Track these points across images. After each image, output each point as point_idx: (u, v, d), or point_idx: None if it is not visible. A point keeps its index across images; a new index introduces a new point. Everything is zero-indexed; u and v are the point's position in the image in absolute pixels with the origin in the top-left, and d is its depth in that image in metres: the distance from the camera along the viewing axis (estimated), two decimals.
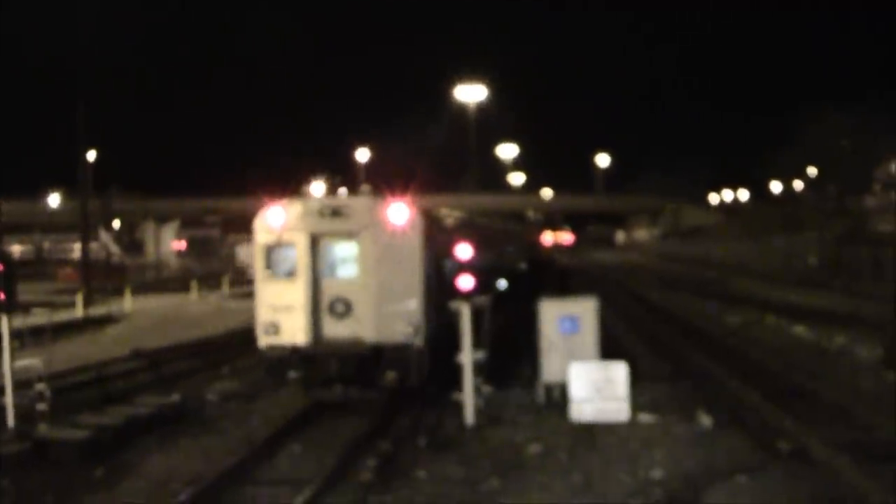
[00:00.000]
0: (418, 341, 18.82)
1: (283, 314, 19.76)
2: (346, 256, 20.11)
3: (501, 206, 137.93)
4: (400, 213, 19.49)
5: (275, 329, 19.81)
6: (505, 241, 44.59)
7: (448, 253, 20.97)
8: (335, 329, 19.85)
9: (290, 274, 19.84)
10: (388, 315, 18.99)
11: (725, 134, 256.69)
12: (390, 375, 18.70)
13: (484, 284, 25.31)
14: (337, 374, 19.50)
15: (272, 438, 17.26)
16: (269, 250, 20.17)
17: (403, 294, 19.12)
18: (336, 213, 19.87)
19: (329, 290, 19.91)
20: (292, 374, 19.74)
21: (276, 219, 20.15)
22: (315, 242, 19.88)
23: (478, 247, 24.51)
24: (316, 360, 19.60)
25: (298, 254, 19.78)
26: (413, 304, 19.13)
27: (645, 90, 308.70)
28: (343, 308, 19.84)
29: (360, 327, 19.60)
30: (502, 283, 35.43)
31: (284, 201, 20.53)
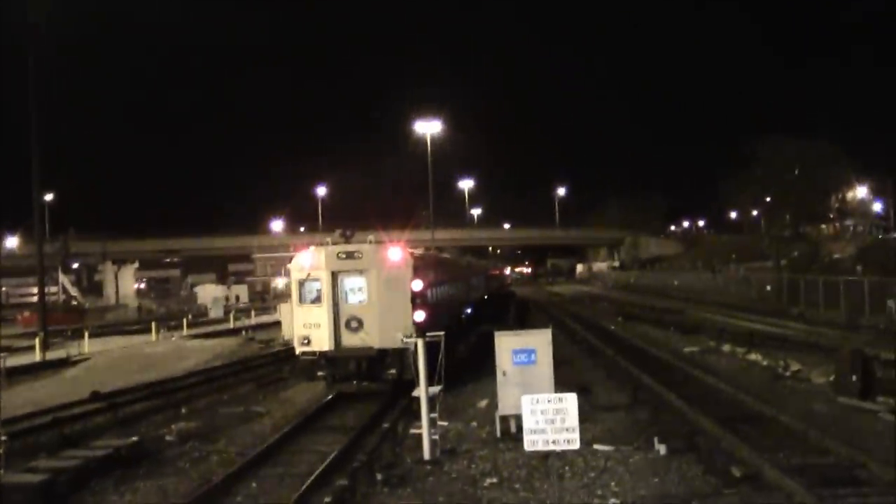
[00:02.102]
0: (411, 347, 20.91)
1: (312, 330, 26.87)
2: (357, 287, 27.08)
3: (461, 240, 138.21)
4: (395, 254, 26.82)
5: (307, 341, 26.95)
6: (470, 274, 52.30)
7: (436, 280, 30.54)
8: (351, 339, 26.77)
9: (317, 300, 26.99)
10: (389, 328, 24.66)
11: (682, 165, 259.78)
12: (391, 372, 24.85)
13: (453, 311, 35.57)
14: (353, 372, 26.75)
15: (231, 477, 17.26)
16: (301, 283, 27.39)
17: (400, 313, 23.52)
18: (349, 255, 26.99)
19: (345, 312, 26.92)
20: (320, 373, 27.16)
21: (306, 261, 27.50)
22: (335, 277, 26.91)
23: (449, 279, 35.76)
24: (337, 361, 26.85)
25: (323, 286, 26.85)
26: (406, 318, 22.08)
27: (602, 124, 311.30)
28: (356, 324, 26.77)
29: (368, 337, 26.53)
30: (468, 310, 43.98)
31: (312, 248, 28.00)
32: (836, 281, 48.39)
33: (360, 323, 26.74)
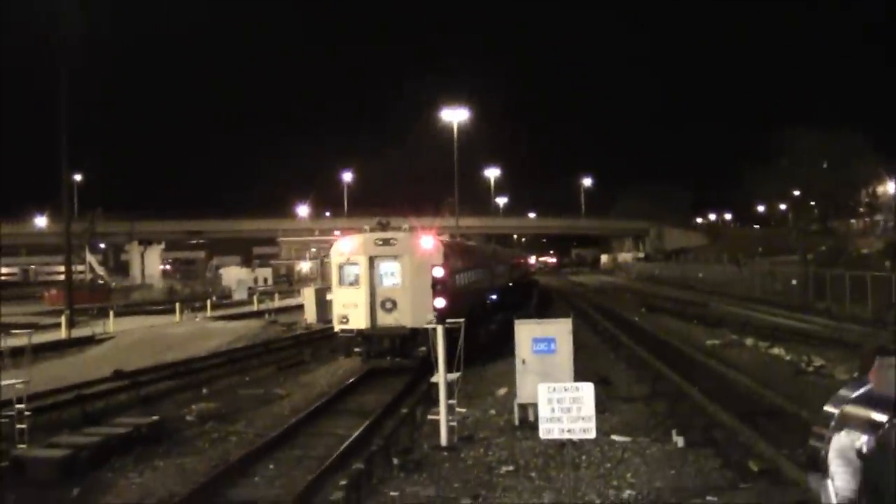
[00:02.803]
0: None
1: (350, 310, 29.02)
2: (391, 271, 29.28)
3: (486, 228, 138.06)
4: (427, 242, 29.06)
5: (346, 320, 29.17)
6: (495, 262, 53.89)
7: (463, 266, 33.85)
8: (385, 319, 28.92)
9: (355, 283, 29.21)
10: (420, 309, 25.55)
11: (709, 157, 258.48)
12: (422, 350, 25.00)
13: (477, 297, 38.72)
14: (387, 349, 28.87)
15: (249, 458, 17.38)
16: (341, 267, 29.72)
17: (430, 296, 22.44)
18: (385, 242, 29.23)
19: (381, 294, 29.11)
20: (357, 349, 29.14)
21: (346, 246, 29.99)
22: (371, 262, 29.10)
23: (475, 266, 39.28)
24: (373, 339, 28.98)
25: (361, 270, 29.09)
26: None
27: (629, 114, 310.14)
28: (391, 305, 28.89)
29: (401, 317, 28.59)
30: (492, 297, 46.15)
31: (351, 235, 30.63)
32: (863, 276, 47.96)
33: (394, 304, 28.86)
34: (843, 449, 3.72)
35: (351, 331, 29.05)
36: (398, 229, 31.43)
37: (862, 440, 3.70)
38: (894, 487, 3.30)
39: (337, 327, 29.75)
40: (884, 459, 3.42)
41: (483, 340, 33.77)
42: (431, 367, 19.43)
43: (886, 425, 3.54)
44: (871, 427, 3.62)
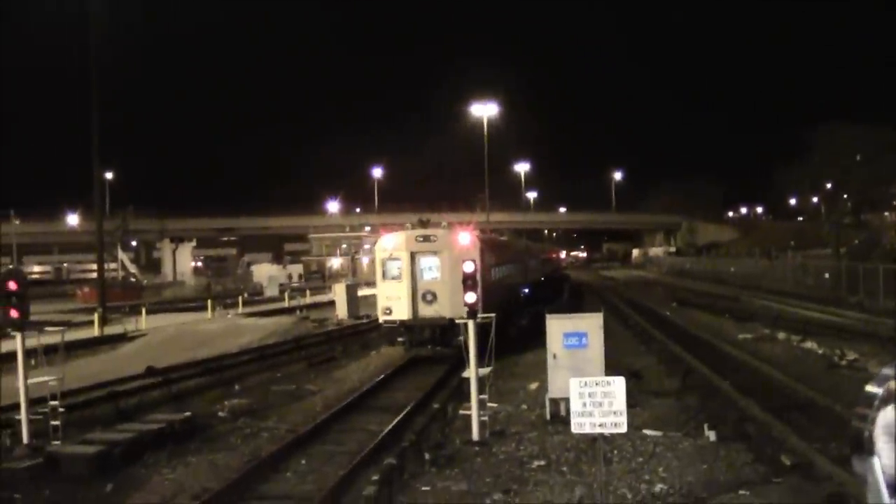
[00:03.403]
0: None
1: (394, 302, 30.91)
2: (432, 266, 31.03)
3: (517, 222, 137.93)
4: (464, 238, 30.54)
5: (389, 311, 31.03)
6: (528, 256, 55.65)
7: (498, 261, 36.29)
8: (426, 310, 30.80)
9: (397, 277, 31.03)
10: (459, 301, 23.84)
11: (741, 150, 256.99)
12: (460, 339, 23.80)
13: (510, 291, 41.03)
14: (428, 338, 30.79)
15: (281, 453, 17.45)
16: (384, 262, 31.37)
17: None
18: (426, 238, 31.17)
19: (422, 287, 30.91)
20: (400, 339, 31.43)
21: (389, 243, 31.65)
22: (413, 257, 30.99)
23: (508, 261, 41.49)
24: (414, 329, 30.95)
25: (403, 264, 30.95)
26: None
27: (660, 108, 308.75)
28: (431, 297, 30.75)
29: (441, 309, 30.27)
30: (525, 290, 47.74)
31: (394, 233, 32.13)
32: None
33: (434, 296, 30.71)
34: (890, 425, 3.65)
35: (394, 321, 31.04)
36: (437, 226, 32.81)
37: None
38: None
39: (381, 318, 31.68)
40: None
41: (515, 334, 34.19)
42: (464, 361, 19.57)
43: None
44: None
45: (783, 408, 19.81)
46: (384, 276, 31.48)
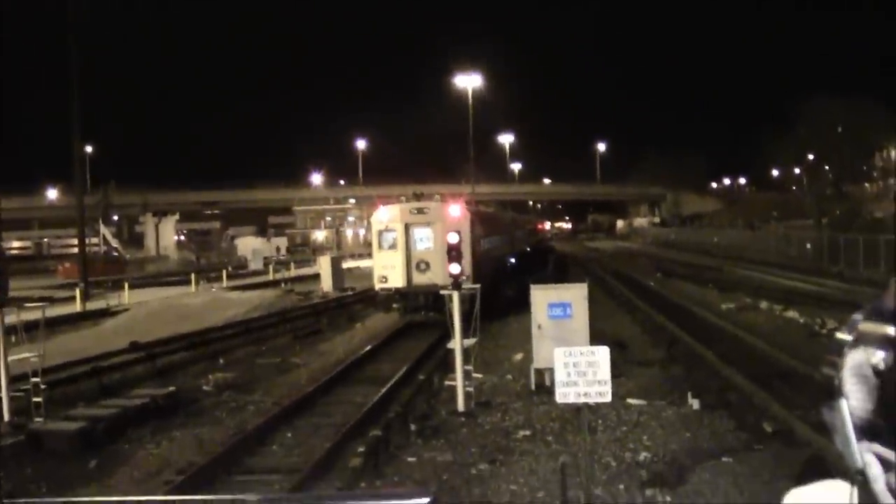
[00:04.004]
0: (468, 284, 24.60)
1: (389, 270, 32.37)
2: (425, 236, 32.43)
3: (501, 194, 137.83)
4: (455, 210, 32.07)
5: (384, 279, 32.51)
6: (515, 227, 57.42)
7: (487, 232, 37.89)
8: (419, 278, 32.06)
9: (393, 247, 32.49)
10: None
11: (725, 122, 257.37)
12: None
13: (499, 261, 43.37)
14: (421, 305, 31.84)
15: (266, 427, 17.45)
16: (380, 233, 32.96)
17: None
18: (419, 211, 32.88)
19: (415, 256, 32.38)
20: (395, 305, 33.17)
21: (384, 215, 33.23)
22: (407, 228, 32.43)
23: (496, 232, 43.55)
24: (408, 296, 32.43)
25: (398, 235, 32.40)
26: (466, 262, 26.83)
27: (644, 79, 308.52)
28: (424, 266, 32.07)
29: (434, 277, 30.76)
30: (512, 260, 49.44)
31: (389, 205, 33.69)
32: (877, 240, 47.80)
33: (427, 265, 32.05)
34: (859, 366, 3.59)
35: (389, 289, 32.70)
36: (431, 199, 34.98)
37: (879, 356, 3.60)
38: None
39: (377, 286, 33.20)
40: None
41: (502, 303, 34.66)
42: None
43: None
44: (888, 342, 3.51)
45: (765, 376, 19.89)
46: (380, 246, 33.03)
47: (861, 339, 3.67)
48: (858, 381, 3.56)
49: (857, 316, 3.95)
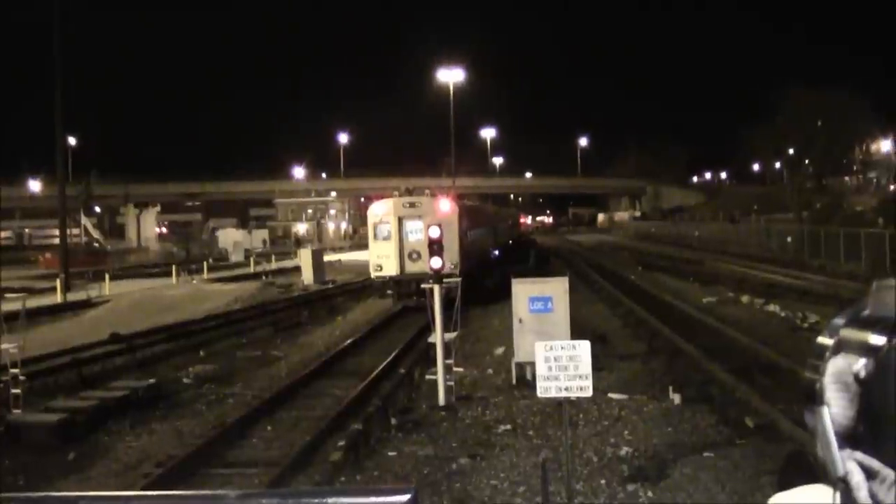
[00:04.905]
0: (457, 270, 29.62)
1: (384, 259, 35.26)
2: (417, 228, 34.33)
3: (483, 187, 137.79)
4: (445, 205, 35.53)
5: (380, 268, 35.37)
6: (499, 221, 61.64)
7: (473, 225, 41.08)
8: (412, 267, 34.38)
9: (387, 238, 35.33)
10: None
11: (706, 115, 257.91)
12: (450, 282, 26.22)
13: (484, 254, 46.47)
14: (414, 291, 32.26)
15: (246, 420, 17.38)
16: (376, 226, 35.89)
17: (449, 248, 27.69)
18: (412, 205, 35.61)
19: (408, 246, 34.88)
20: (389, 292, 35.75)
21: (379, 209, 36.20)
22: (400, 221, 35.22)
23: (482, 225, 46.78)
24: (402, 283, 34.85)
25: (392, 227, 35.21)
26: (454, 252, 32.06)
27: (627, 72, 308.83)
28: (416, 255, 34.00)
29: (425, 266, 28.84)
30: (496, 253, 52.46)
31: (384, 199, 36.81)
32: (857, 233, 47.97)
33: (419, 255, 33.50)
34: (840, 373, 3.57)
35: (384, 277, 35.56)
36: (422, 194, 37.93)
37: (860, 364, 3.57)
38: (895, 411, 3.20)
39: (373, 274, 36.28)
40: (884, 382, 3.30)
41: (487, 293, 35.83)
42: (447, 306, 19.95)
43: (886, 347, 3.39)
44: (869, 350, 3.49)
45: (747, 370, 19.92)
46: (375, 237, 35.97)
47: (842, 346, 3.64)
48: (840, 388, 3.53)
49: (839, 320, 3.92)
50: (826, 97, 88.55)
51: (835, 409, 3.65)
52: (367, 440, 15.37)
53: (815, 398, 3.83)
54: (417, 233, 34.34)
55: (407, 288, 34.51)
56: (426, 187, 43.58)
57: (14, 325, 20.98)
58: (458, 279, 20.53)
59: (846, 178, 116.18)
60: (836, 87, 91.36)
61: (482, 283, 38.16)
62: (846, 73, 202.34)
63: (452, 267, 29.54)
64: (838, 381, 3.69)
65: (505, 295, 24.68)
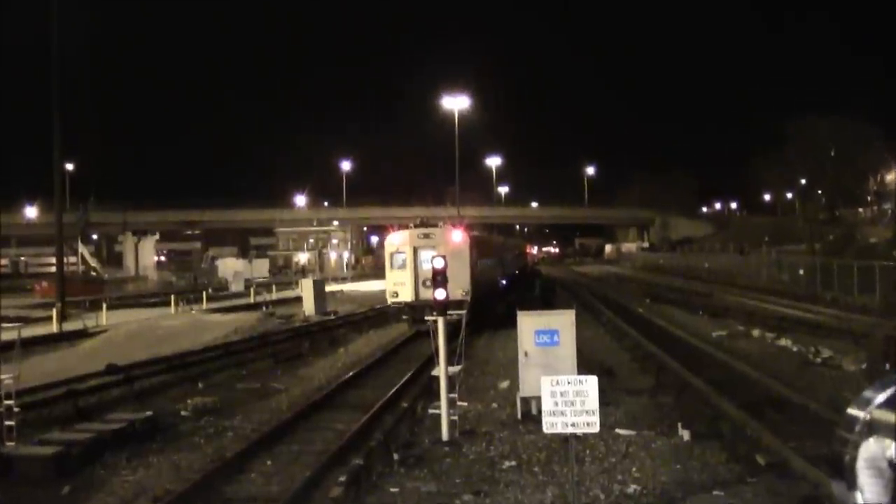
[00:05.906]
0: (468, 297, 33.19)
1: (400, 287, 37.65)
2: (430, 257, 32.56)
3: (488, 217, 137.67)
4: (457, 236, 38.36)
5: (396, 294, 37.84)
6: (506, 251, 64.16)
7: (483, 255, 43.54)
8: (426, 293, 34.08)
9: (402, 267, 37.74)
10: (453, 286, 26.82)
11: (715, 145, 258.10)
12: (455, 315, 25.41)
13: (493, 284, 48.09)
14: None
15: (245, 454, 16.98)
16: (392, 255, 38.24)
17: (460, 275, 32.46)
18: (426, 235, 38.15)
19: (422, 274, 36.28)
20: (405, 317, 38.73)
21: (396, 239, 38.82)
22: (415, 250, 37.57)
23: (490, 255, 49.01)
24: (416, 308, 35.98)
25: (407, 256, 37.62)
26: (465, 280, 35.74)
27: (636, 102, 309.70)
28: (430, 283, 32.32)
29: None
30: (504, 282, 54.28)
31: (400, 230, 39.68)
32: (871, 265, 47.45)
33: None
34: (874, 458, 3.36)
35: (400, 302, 38.12)
36: (436, 225, 40.75)
37: (893, 448, 3.35)
38: None
39: (389, 300, 39.02)
40: None
41: (493, 323, 37.57)
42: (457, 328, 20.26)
43: None
44: None
45: (758, 406, 19.55)
46: (392, 266, 38.27)
47: (875, 427, 3.46)
48: (874, 474, 3.36)
49: (870, 394, 3.68)
50: (839, 125, 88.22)
51: (868, 495, 3.34)
52: (369, 475, 14.98)
53: (844, 473, 3.53)
54: (432, 262, 35.18)
55: (421, 313, 34.14)
56: (432, 217, 47.59)
57: (9, 356, 20.62)
58: (463, 311, 20.17)
59: (860, 210, 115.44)
60: (849, 116, 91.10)
61: (490, 312, 40.15)
62: (859, 102, 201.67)
63: (464, 294, 33.75)
64: (872, 466, 3.38)
65: (510, 325, 24.41)
